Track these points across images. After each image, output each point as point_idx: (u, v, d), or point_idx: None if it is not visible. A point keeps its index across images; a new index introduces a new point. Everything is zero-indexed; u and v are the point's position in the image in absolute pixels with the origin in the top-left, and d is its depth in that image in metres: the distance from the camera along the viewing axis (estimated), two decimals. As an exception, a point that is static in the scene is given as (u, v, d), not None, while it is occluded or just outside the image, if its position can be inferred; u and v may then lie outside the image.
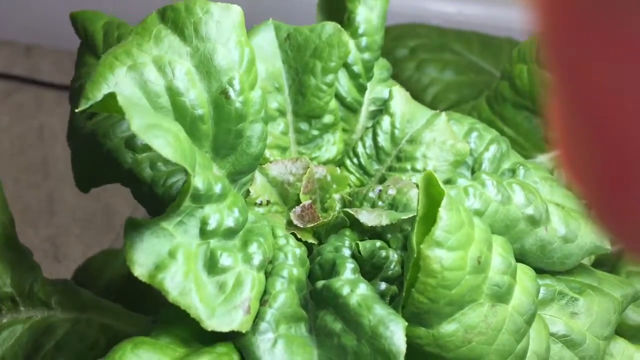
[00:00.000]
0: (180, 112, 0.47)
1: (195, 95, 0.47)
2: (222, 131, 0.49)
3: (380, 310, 0.43)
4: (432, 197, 0.44)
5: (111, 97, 0.40)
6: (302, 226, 0.55)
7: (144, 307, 0.76)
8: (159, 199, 0.55)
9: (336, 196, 0.57)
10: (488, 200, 0.52)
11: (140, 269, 0.42)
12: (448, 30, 1.16)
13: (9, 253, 0.60)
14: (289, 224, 0.55)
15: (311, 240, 0.55)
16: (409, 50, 1.12)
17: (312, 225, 0.55)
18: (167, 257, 0.43)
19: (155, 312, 0.71)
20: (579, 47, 0.19)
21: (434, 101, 1.06)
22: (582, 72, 0.19)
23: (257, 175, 0.55)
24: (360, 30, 0.60)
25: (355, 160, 0.59)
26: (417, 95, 1.08)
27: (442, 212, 0.43)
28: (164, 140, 0.39)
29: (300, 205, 0.56)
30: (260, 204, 0.55)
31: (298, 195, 0.56)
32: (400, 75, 1.07)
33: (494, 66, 1.14)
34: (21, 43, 1.58)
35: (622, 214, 0.21)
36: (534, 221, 0.53)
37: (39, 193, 1.39)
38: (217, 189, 0.46)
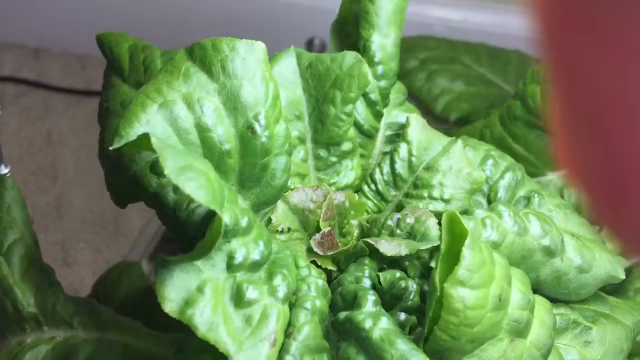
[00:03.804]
0: (209, 148, 0.48)
1: (223, 131, 0.48)
2: (248, 165, 0.50)
3: (403, 345, 0.45)
4: (455, 234, 0.45)
5: (145, 137, 0.41)
6: (322, 253, 0.56)
7: (160, 319, 0.77)
8: (182, 222, 0.56)
9: (354, 222, 0.58)
10: (505, 232, 0.53)
11: (171, 305, 0.43)
12: (457, 43, 1.17)
13: (33, 273, 0.61)
14: (309, 251, 0.57)
15: (331, 267, 0.56)
16: (420, 62, 1.13)
17: (332, 252, 0.56)
18: (195, 292, 0.44)
19: (171, 325, 0.72)
20: (579, 49, 0.19)
21: (445, 110, 1.07)
22: (582, 73, 0.19)
23: (279, 203, 0.56)
24: (376, 59, 0.61)
25: (372, 186, 0.60)
26: (428, 104, 1.09)
27: (465, 251, 0.44)
28: (196, 183, 0.40)
29: (320, 232, 0.57)
30: (282, 231, 0.56)
31: (318, 222, 0.58)
32: (411, 86, 1.08)
33: (502, 79, 1.16)
34: (30, 46, 1.59)
35: (630, 220, 0.21)
36: (549, 252, 0.54)
37: (48, 197, 1.40)
38: (244, 222, 0.47)
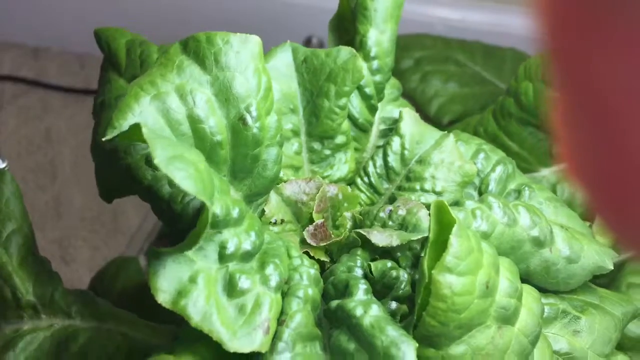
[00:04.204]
0: (200, 139, 0.49)
1: (215, 122, 0.49)
2: (240, 156, 0.51)
3: (393, 332, 0.45)
4: (443, 223, 0.46)
5: (137, 127, 0.42)
6: (315, 245, 0.57)
7: (157, 314, 0.78)
8: (177, 215, 0.57)
9: (347, 214, 0.59)
10: (495, 223, 0.54)
11: (164, 296, 0.44)
12: (452, 41, 1.18)
13: (32, 263, 0.62)
14: (303, 242, 0.57)
15: (324, 258, 0.57)
16: (414, 62, 1.14)
17: (325, 244, 0.57)
18: (188, 283, 0.45)
19: (168, 319, 0.73)
20: (581, 48, 0.19)
21: (439, 112, 1.08)
22: (586, 72, 0.20)
23: (272, 194, 0.57)
24: (372, 54, 0.62)
25: (366, 179, 0.61)
26: (422, 106, 1.10)
27: (453, 239, 0.45)
28: (185, 173, 0.41)
29: (313, 224, 0.58)
30: (275, 223, 0.57)
31: (311, 213, 0.58)
32: (405, 87, 1.09)
33: (497, 77, 1.16)
34: (29, 45, 1.60)
35: (628, 218, 0.21)
36: (538, 242, 0.55)
37: (46, 195, 1.41)
38: (235, 213, 0.47)
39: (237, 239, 0.48)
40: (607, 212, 0.22)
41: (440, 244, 0.46)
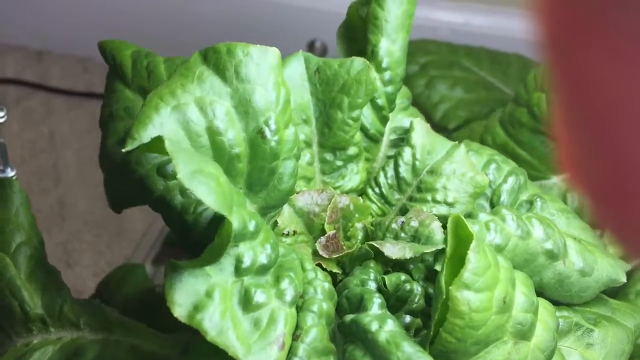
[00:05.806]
0: (219, 151, 0.49)
1: (234, 135, 0.49)
2: (257, 169, 0.51)
3: (409, 348, 0.45)
4: (460, 238, 0.46)
5: (159, 140, 0.42)
6: (327, 256, 0.56)
7: (164, 321, 0.78)
8: (188, 225, 0.57)
9: (358, 225, 0.59)
10: (508, 236, 0.54)
11: (180, 310, 0.44)
12: (458, 47, 1.18)
13: (40, 275, 0.62)
14: (314, 253, 0.57)
15: (336, 270, 0.57)
16: (420, 67, 1.14)
17: (337, 255, 0.56)
18: (204, 297, 0.44)
19: (175, 326, 0.72)
20: (581, 54, 0.19)
21: (444, 118, 1.08)
22: (586, 79, 0.19)
23: (285, 206, 0.57)
24: (384, 65, 0.62)
25: (377, 189, 0.61)
26: (427, 112, 1.10)
27: (471, 254, 0.45)
28: (207, 187, 0.41)
29: (325, 235, 0.57)
30: (287, 234, 0.57)
31: (323, 225, 0.58)
32: (410, 92, 1.08)
33: (503, 82, 1.16)
34: (32, 49, 1.59)
35: (631, 226, 0.21)
36: (552, 255, 0.55)
37: (50, 199, 1.40)
38: (251, 226, 0.47)
39: (252, 253, 0.47)
40: (611, 219, 0.21)
41: (457, 259, 0.46)
